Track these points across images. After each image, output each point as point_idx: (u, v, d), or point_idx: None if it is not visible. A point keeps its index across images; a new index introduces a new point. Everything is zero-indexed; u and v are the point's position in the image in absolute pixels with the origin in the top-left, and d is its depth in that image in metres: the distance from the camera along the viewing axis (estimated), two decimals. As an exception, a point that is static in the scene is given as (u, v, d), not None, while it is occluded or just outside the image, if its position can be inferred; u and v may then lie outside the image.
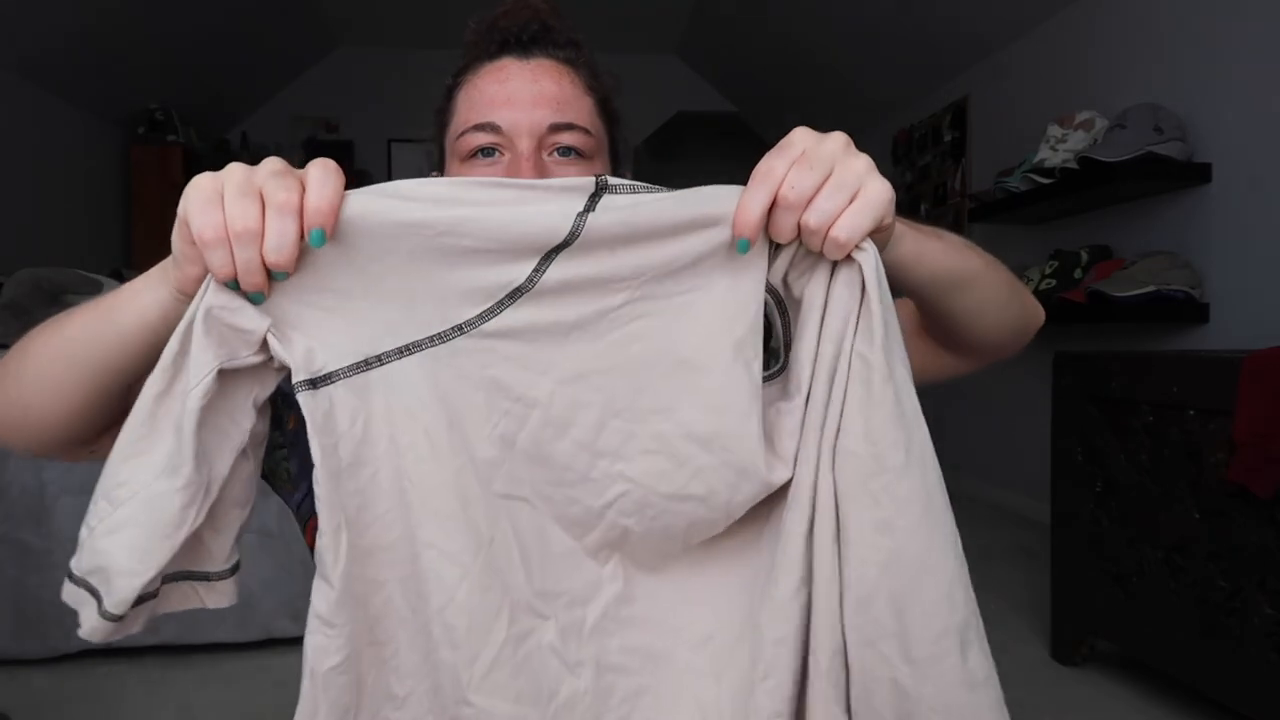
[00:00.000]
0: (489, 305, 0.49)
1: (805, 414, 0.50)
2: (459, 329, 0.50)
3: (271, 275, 0.47)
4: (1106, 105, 2.86)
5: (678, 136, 6.03)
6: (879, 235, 0.50)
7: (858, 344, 0.48)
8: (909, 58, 4.28)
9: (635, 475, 0.51)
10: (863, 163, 0.49)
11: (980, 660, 0.49)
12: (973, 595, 0.50)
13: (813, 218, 0.47)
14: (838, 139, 0.49)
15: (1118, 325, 2.86)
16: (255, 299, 0.48)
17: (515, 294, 0.49)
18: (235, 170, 0.48)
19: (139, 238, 5.08)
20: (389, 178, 5.39)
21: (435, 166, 0.80)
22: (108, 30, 4.14)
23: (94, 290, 2.44)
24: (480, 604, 0.51)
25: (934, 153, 4.36)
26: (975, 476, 3.94)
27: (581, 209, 0.48)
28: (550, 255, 0.48)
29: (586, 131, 0.72)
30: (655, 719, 0.54)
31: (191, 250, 0.47)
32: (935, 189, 4.35)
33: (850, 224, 0.47)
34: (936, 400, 3.76)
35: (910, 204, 4.63)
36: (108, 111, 4.80)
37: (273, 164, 0.48)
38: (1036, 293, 2.95)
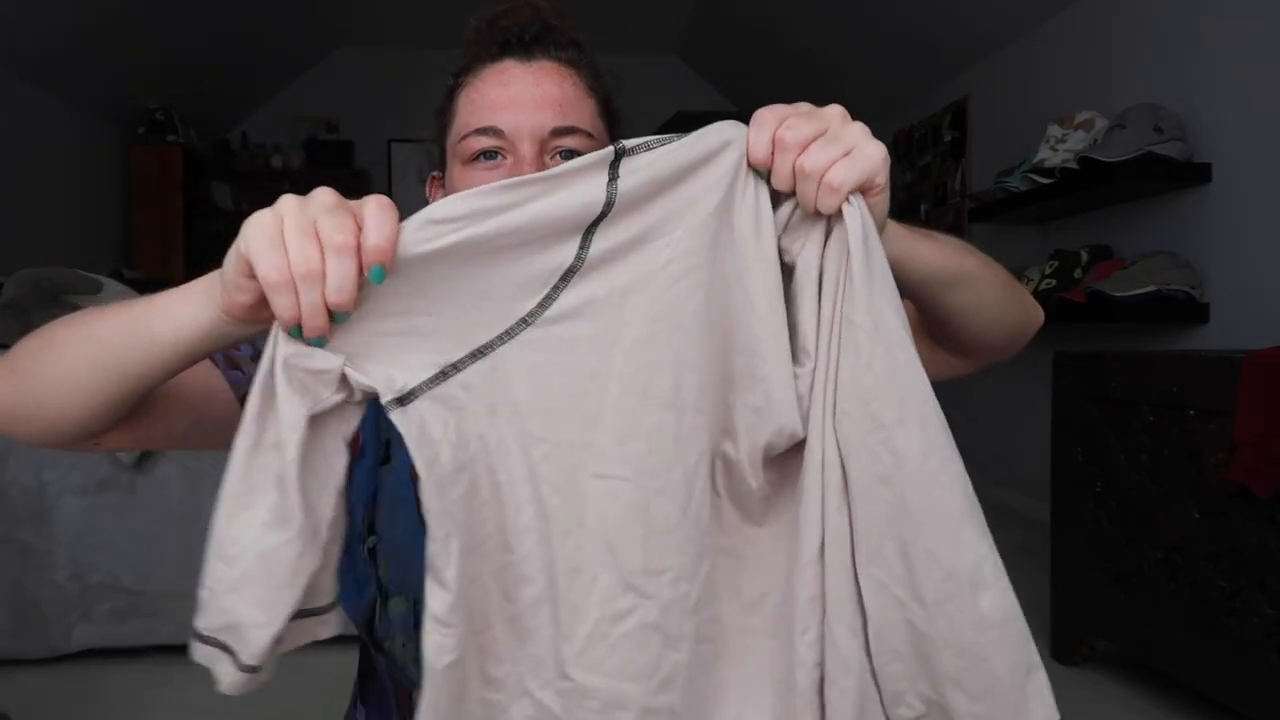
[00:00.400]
0: (545, 292, 0.51)
1: (813, 378, 0.52)
2: (523, 322, 0.51)
3: (333, 317, 0.48)
4: (1106, 105, 2.86)
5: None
6: (873, 198, 0.52)
7: (844, 306, 0.50)
8: (909, 58, 4.28)
9: (707, 426, 0.53)
10: (858, 127, 0.52)
11: (995, 602, 0.50)
12: (988, 538, 0.51)
13: (808, 161, 0.50)
14: (836, 108, 0.53)
15: (1118, 325, 2.86)
16: (317, 344, 0.48)
17: (567, 275, 0.51)
18: (291, 206, 0.48)
19: (139, 238, 5.07)
20: (389, 178, 5.43)
21: (436, 166, 0.80)
22: (108, 30, 4.14)
23: (94, 290, 2.43)
24: (572, 585, 0.52)
25: (934, 153, 4.36)
26: (975, 476, 3.90)
27: (608, 178, 0.50)
28: (591, 229, 0.50)
29: (588, 134, 0.72)
30: (728, 679, 0.55)
31: (247, 283, 0.48)
32: (935, 189, 4.35)
33: (843, 172, 0.49)
34: (937, 399, 3.77)
35: (910, 204, 4.63)
36: (108, 111, 4.80)
37: (325, 197, 0.49)
38: (1036, 293, 2.95)
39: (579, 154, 0.71)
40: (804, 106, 0.53)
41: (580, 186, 0.50)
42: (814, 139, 0.50)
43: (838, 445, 0.51)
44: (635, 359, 0.52)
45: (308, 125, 6.11)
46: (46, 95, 4.22)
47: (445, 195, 0.76)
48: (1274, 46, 2.32)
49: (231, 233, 0.50)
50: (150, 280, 4.40)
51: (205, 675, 0.49)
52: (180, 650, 2.07)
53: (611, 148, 0.50)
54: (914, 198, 4.59)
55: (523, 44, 0.73)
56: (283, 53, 5.73)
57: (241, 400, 0.66)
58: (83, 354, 0.55)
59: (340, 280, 0.46)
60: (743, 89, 6.13)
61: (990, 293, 0.65)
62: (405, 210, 0.50)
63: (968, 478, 0.51)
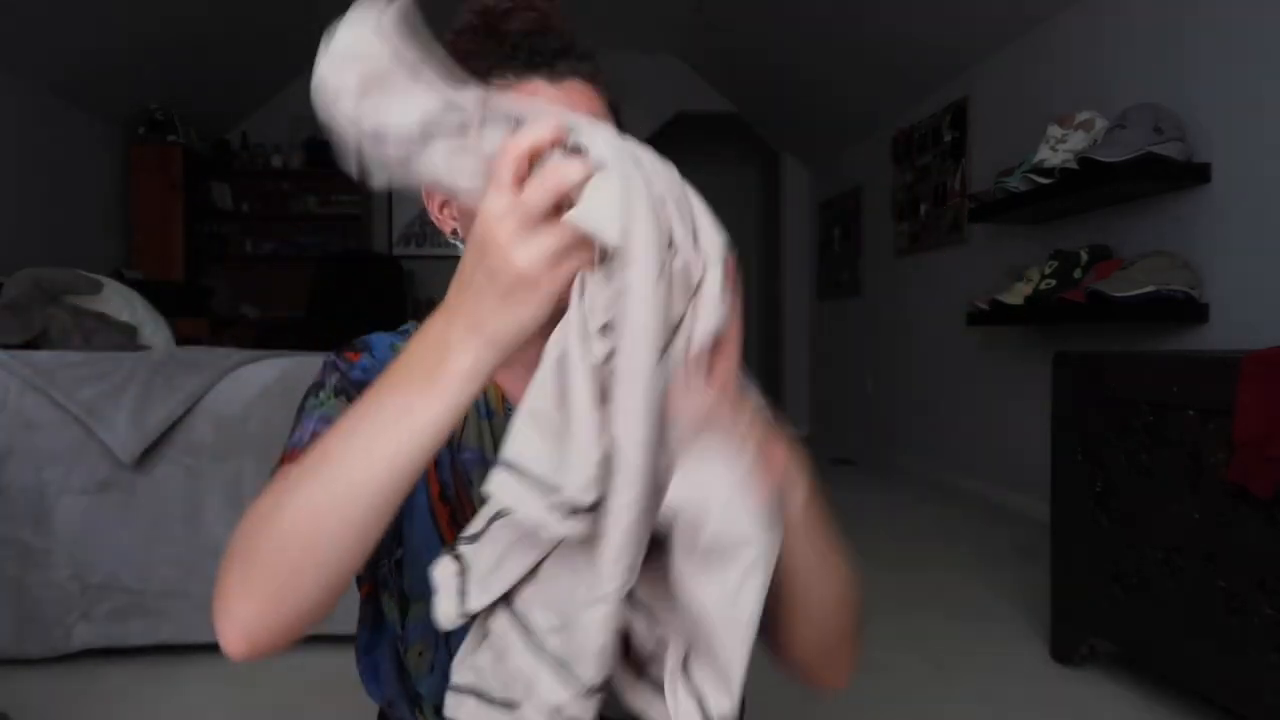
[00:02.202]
0: None
1: None
2: None
3: None
4: (1106, 105, 2.86)
5: (678, 137, 6.03)
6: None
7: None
8: (909, 58, 4.28)
9: None
10: None
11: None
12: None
13: None
14: None
15: (1118, 325, 2.86)
16: None
17: None
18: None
19: (139, 238, 5.07)
20: (389, 178, 5.34)
21: None
22: (108, 30, 4.14)
23: (94, 290, 2.44)
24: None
25: (934, 153, 4.36)
26: (975, 476, 3.94)
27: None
28: None
29: None
30: None
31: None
32: (935, 189, 4.35)
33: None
34: (938, 400, 3.75)
35: (910, 204, 4.63)
36: (108, 111, 4.80)
37: None
38: (1036, 293, 2.95)
39: None
40: None
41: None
42: None
43: None
44: None
45: (308, 125, 6.10)
46: (46, 95, 4.22)
47: (454, 212, 0.73)
48: (1274, 46, 2.33)
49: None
50: (150, 280, 4.40)
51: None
52: (180, 650, 2.07)
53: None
54: (914, 198, 4.59)
55: (547, 59, 0.68)
56: (283, 53, 5.72)
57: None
58: (331, 486, 0.49)
59: None
60: (743, 89, 6.13)
61: (816, 607, 0.63)
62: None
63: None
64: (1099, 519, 1.84)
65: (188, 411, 1.98)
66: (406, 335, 0.77)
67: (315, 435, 0.65)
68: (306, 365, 2.07)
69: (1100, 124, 2.76)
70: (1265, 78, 2.35)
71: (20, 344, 2.26)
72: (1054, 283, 2.87)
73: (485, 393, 0.76)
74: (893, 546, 3.04)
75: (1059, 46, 3.31)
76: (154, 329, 2.62)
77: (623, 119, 0.77)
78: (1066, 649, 1.94)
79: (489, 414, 0.76)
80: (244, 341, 5.37)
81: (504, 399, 0.76)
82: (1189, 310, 2.52)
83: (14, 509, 1.95)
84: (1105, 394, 1.81)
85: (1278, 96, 2.31)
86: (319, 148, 5.99)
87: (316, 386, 0.73)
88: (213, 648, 2.19)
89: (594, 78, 0.71)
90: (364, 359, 0.73)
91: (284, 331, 5.43)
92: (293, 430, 0.69)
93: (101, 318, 2.43)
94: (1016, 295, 3.10)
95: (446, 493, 0.73)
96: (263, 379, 2.04)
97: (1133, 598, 1.75)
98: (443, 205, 0.74)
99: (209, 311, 5.26)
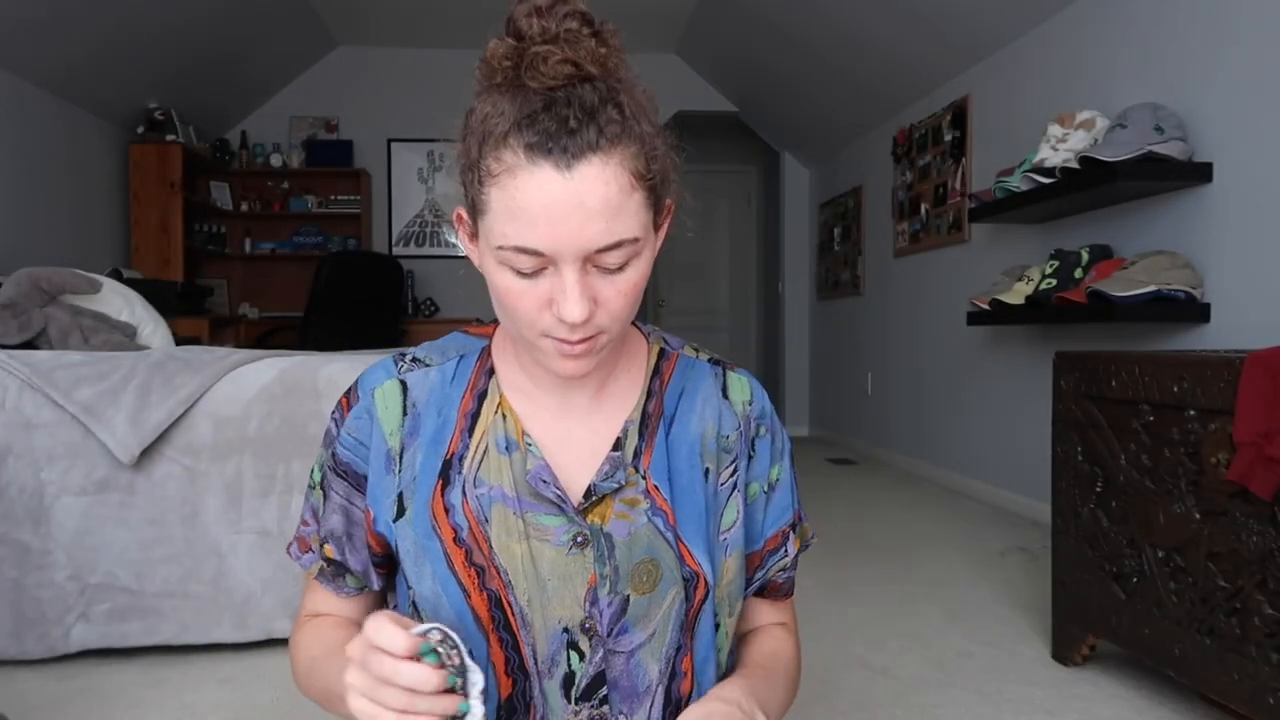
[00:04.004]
0: None
1: None
2: None
3: None
4: (1106, 105, 2.86)
5: (677, 136, 6.04)
6: None
7: None
8: (909, 58, 4.28)
9: None
10: None
11: None
12: None
13: None
14: None
15: (1118, 325, 2.86)
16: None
17: None
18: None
19: (138, 237, 5.07)
20: (389, 177, 5.47)
21: (467, 207, 0.69)
22: (107, 30, 4.14)
23: (93, 290, 2.44)
24: None
25: (934, 153, 4.36)
26: (975, 476, 3.94)
27: None
28: None
29: (635, 239, 0.64)
30: None
31: None
32: (935, 189, 4.35)
33: None
34: (938, 400, 3.75)
35: (910, 204, 4.63)
36: (108, 111, 4.80)
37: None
38: (1037, 292, 2.95)
39: (624, 269, 0.65)
40: None
41: None
42: None
43: None
44: None
45: (308, 125, 6.11)
46: (46, 94, 4.22)
47: (477, 250, 0.70)
48: (1274, 46, 2.32)
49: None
50: (149, 280, 4.39)
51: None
52: (180, 650, 2.07)
53: None
54: (914, 198, 4.59)
55: (560, 143, 0.60)
56: (283, 52, 5.72)
57: (327, 561, 0.80)
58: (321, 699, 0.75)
59: None
60: (743, 89, 6.13)
61: None
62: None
63: None
64: (1099, 519, 1.84)
65: (187, 411, 1.98)
66: (403, 358, 0.80)
67: (305, 523, 0.82)
68: (306, 365, 2.07)
69: (1101, 123, 2.76)
70: (1266, 77, 2.35)
71: (19, 344, 2.26)
72: (1054, 282, 2.87)
73: (504, 425, 0.75)
74: (892, 546, 3.04)
75: (1059, 46, 3.31)
76: (153, 329, 2.62)
77: (668, 166, 0.68)
78: (1066, 649, 1.94)
79: (509, 448, 0.74)
80: (243, 341, 5.38)
81: (523, 432, 0.75)
82: (1190, 310, 2.51)
83: (12, 509, 1.94)
84: (1105, 394, 1.81)
85: (1278, 96, 2.31)
86: (319, 147, 5.99)
87: (325, 437, 0.81)
88: (212, 648, 2.19)
89: (616, 148, 0.62)
90: (354, 410, 0.78)
91: (283, 331, 5.44)
92: (308, 486, 0.83)
93: (100, 317, 2.43)
94: (1017, 295, 3.10)
95: (460, 536, 0.72)
96: (262, 379, 2.03)
97: (1133, 598, 1.74)
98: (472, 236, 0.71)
99: (208, 311, 5.26)
